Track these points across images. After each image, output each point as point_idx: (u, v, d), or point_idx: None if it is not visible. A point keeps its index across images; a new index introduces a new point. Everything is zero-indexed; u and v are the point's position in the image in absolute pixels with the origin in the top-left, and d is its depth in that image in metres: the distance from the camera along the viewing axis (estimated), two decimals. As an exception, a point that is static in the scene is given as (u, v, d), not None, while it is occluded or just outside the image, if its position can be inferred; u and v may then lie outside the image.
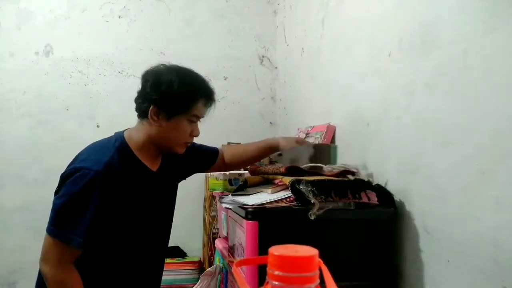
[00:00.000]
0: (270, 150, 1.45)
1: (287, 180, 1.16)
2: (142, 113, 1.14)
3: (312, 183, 1.11)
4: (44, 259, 1.05)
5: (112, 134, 1.22)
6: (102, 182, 1.04)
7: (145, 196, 1.17)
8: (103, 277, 1.14)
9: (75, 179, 1.04)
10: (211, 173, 2.20)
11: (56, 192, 1.10)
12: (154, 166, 1.20)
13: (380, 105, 1.40)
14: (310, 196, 1.07)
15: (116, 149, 1.12)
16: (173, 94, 1.10)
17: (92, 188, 1.03)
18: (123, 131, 1.19)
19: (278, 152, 1.54)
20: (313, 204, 1.08)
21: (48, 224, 1.05)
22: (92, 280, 1.10)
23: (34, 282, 1.17)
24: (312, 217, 1.07)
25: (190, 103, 1.14)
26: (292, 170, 1.27)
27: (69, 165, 1.12)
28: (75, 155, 1.15)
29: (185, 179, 1.40)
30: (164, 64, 1.18)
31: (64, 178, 1.07)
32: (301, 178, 1.14)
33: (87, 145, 1.19)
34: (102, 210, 1.05)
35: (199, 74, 1.22)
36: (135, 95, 1.18)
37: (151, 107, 1.10)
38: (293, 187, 1.10)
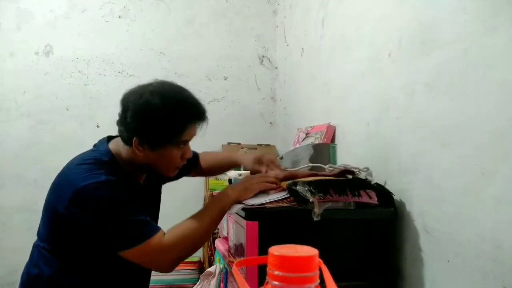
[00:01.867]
0: (233, 166, 1.45)
1: (284, 184, 1.16)
2: (125, 140, 1.06)
3: (309, 183, 1.11)
4: (159, 265, 1.03)
5: (112, 134, 1.19)
6: (115, 184, 1.00)
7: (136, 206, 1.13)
8: (94, 281, 1.11)
9: (92, 196, 0.97)
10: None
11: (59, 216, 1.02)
12: (140, 179, 1.18)
13: (380, 105, 1.40)
14: (308, 195, 1.07)
15: (107, 168, 1.04)
16: (157, 125, 1.00)
17: (112, 189, 0.99)
18: (107, 143, 1.12)
19: (280, 156, 1.55)
20: (312, 202, 1.07)
21: (120, 243, 0.98)
22: (82, 284, 1.09)
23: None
24: (316, 219, 1.07)
25: (178, 132, 1.04)
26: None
27: (61, 189, 1.03)
28: (58, 178, 1.08)
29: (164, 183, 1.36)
30: (150, 84, 1.05)
31: (69, 204, 0.99)
32: (298, 180, 1.14)
33: (68, 163, 1.09)
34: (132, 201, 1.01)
35: (188, 93, 1.09)
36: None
37: (134, 138, 1.02)
38: (290, 189, 1.10)
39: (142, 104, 1.01)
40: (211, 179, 2.21)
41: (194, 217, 1.07)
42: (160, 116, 1.00)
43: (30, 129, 2.56)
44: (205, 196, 2.55)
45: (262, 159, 1.32)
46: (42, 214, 1.13)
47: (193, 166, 1.39)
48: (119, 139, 1.11)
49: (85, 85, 2.64)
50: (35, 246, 1.15)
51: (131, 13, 2.71)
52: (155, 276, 2.28)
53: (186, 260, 2.44)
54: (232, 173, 1.87)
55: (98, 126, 2.63)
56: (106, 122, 2.57)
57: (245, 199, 1.11)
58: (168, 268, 1.05)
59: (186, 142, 1.09)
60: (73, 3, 2.63)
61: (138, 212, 1.01)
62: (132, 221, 0.99)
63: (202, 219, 1.06)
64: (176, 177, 1.31)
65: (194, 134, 1.10)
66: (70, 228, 1.04)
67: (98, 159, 1.06)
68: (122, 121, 1.05)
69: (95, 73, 2.65)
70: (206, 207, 1.14)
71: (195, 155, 1.39)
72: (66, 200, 1.00)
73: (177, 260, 1.05)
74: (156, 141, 1.03)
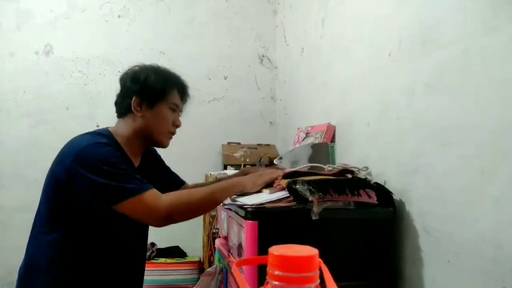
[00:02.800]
0: None
1: (284, 182, 1.16)
2: (124, 109, 1.22)
3: (308, 182, 1.11)
4: (150, 220, 1.10)
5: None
6: (113, 147, 1.12)
7: None
8: (88, 272, 1.14)
9: (91, 153, 1.07)
10: (211, 172, 2.22)
11: (68, 181, 1.08)
12: (135, 162, 1.24)
13: (380, 105, 1.40)
14: (307, 194, 1.07)
15: (105, 135, 1.17)
16: (150, 83, 1.19)
17: (111, 149, 1.10)
18: (106, 128, 1.23)
19: (279, 156, 1.55)
20: (311, 202, 1.07)
21: (114, 199, 1.05)
22: (75, 278, 1.12)
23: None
24: (314, 218, 1.07)
25: (167, 90, 1.22)
26: (290, 175, 1.26)
27: (63, 155, 1.13)
28: (61, 149, 1.18)
29: None
30: (138, 65, 1.27)
31: (73, 162, 1.07)
32: (297, 178, 1.14)
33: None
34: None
35: (173, 71, 1.30)
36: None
37: (134, 98, 1.18)
38: (289, 187, 1.10)
39: (138, 70, 1.23)
40: (211, 179, 2.21)
41: (198, 189, 1.16)
42: (153, 77, 1.20)
43: (30, 129, 2.56)
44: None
45: (248, 171, 1.40)
46: (42, 193, 1.19)
47: (177, 186, 1.43)
48: (113, 126, 1.25)
49: (85, 85, 2.64)
50: (30, 238, 1.18)
51: (131, 13, 2.71)
52: (155, 276, 2.30)
53: (186, 260, 2.47)
54: (232, 173, 1.87)
55: (98, 126, 2.60)
56: (106, 122, 2.55)
57: (250, 191, 1.18)
58: (158, 224, 1.10)
59: (176, 107, 1.25)
60: (73, 3, 2.63)
61: (134, 173, 1.10)
62: (128, 176, 1.07)
63: (204, 192, 1.13)
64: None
65: (180, 104, 1.27)
66: (69, 195, 1.09)
67: (98, 132, 1.19)
68: (122, 92, 1.24)
69: (95, 73, 2.65)
70: (213, 185, 1.19)
71: (182, 182, 1.48)
72: (69, 162, 1.08)
73: (168, 219, 1.09)
74: (151, 97, 1.20)
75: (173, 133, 1.27)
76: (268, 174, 1.22)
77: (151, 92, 1.19)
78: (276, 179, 1.19)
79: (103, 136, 1.16)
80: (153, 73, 1.21)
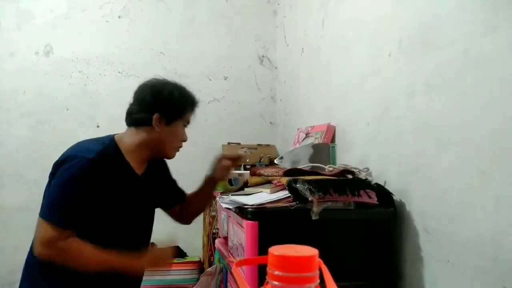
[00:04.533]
0: (211, 185, 1.45)
1: (284, 180, 1.16)
2: (142, 121, 1.22)
3: (309, 181, 1.11)
4: (46, 244, 1.10)
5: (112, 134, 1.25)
6: (92, 170, 1.12)
7: (128, 194, 1.22)
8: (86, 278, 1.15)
9: (68, 167, 1.12)
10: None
11: (50, 178, 1.17)
12: (139, 170, 1.26)
13: (380, 105, 1.40)
14: (307, 193, 1.07)
15: (107, 145, 1.19)
16: (173, 101, 1.23)
17: (83, 174, 1.11)
18: (113, 135, 1.26)
19: (280, 156, 1.55)
20: (311, 201, 1.07)
21: (42, 209, 1.13)
22: (76, 273, 1.13)
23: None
24: (314, 218, 1.07)
25: (186, 109, 1.27)
26: (291, 173, 1.27)
27: (61, 155, 1.19)
28: (66, 149, 1.22)
29: (156, 207, 1.41)
30: (156, 79, 1.28)
31: (58, 165, 1.15)
32: (298, 177, 1.14)
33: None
34: (90, 196, 1.12)
35: (186, 86, 1.32)
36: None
37: (155, 114, 1.20)
38: (290, 186, 1.10)
39: (160, 86, 1.25)
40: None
41: (100, 253, 1.13)
42: (177, 95, 1.24)
43: (30, 129, 2.56)
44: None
45: (221, 162, 1.43)
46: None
47: (180, 198, 1.45)
48: (122, 133, 1.27)
49: (85, 85, 2.64)
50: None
51: (131, 13, 2.71)
52: (155, 276, 2.30)
53: (186, 260, 2.47)
54: (232, 174, 1.87)
55: (98, 126, 2.63)
56: (106, 122, 2.57)
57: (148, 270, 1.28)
58: (37, 254, 1.11)
59: (187, 124, 1.30)
60: (73, 3, 2.63)
61: (78, 204, 1.12)
62: (65, 202, 1.11)
63: (98, 260, 1.13)
64: (162, 199, 1.40)
65: (190, 121, 1.31)
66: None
67: (102, 141, 1.21)
68: (140, 104, 1.24)
69: (95, 73, 2.65)
70: (111, 258, 1.15)
71: (184, 196, 1.47)
72: (56, 165, 1.16)
73: (50, 257, 1.11)
74: (172, 115, 1.24)
75: (180, 147, 1.31)
76: (159, 262, 1.28)
77: (173, 110, 1.24)
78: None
79: (102, 145, 1.18)
80: (176, 91, 1.25)
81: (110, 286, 1.24)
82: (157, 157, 1.31)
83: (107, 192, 1.16)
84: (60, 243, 1.10)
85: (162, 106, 1.22)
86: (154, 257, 1.25)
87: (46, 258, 1.11)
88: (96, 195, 1.13)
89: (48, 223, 1.10)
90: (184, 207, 1.46)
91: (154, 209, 1.38)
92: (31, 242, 1.20)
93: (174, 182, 1.46)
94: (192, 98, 1.29)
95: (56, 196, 1.12)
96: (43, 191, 1.21)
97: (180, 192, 1.47)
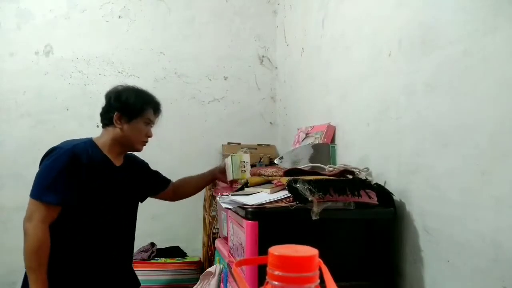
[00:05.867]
0: (211, 179, 1.84)
1: (284, 180, 1.16)
2: (107, 121, 1.48)
3: (309, 181, 1.11)
4: (28, 218, 1.30)
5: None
6: (71, 156, 1.34)
7: (108, 183, 1.43)
8: (72, 263, 1.35)
9: (50, 156, 1.36)
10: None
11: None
12: (117, 162, 1.50)
13: (380, 105, 1.40)
14: (307, 193, 1.07)
15: (86, 141, 1.45)
16: (131, 102, 1.46)
17: (63, 160, 1.33)
18: (90, 138, 1.50)
19: (280, 156, 1.56)
20: (311, 202, 1.07)
21: (32, 190, 1.33)
22: (76, 273, 1.34)
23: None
24: (314, 218, 1.07)
25: (143, 109, 1.49)
26: (291, 173, 1.27)
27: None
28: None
29: (141, 201, 1.69)
30: (121, 85, 1.53)
31: (43, 157, 1.40)
32: (298, 177, 1.14)
33: None
34: (70, 178, 1.33)
35: (148, 91, 1.57)
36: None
37: (115, 113, 1.45)
38: (290, 186, 1.10)
39: (121, 90, 1.50)
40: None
41: (41, 265, 1.29)
42: (134, 97, 1.48)
43: (30, 129, 2.56)
44: (205, 196, 2.56)
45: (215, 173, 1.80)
46: None
47: (162, 186, 1.73)
48: (101, 134, 1.52)
49: (85, 85, 2.64)
50: None
51: (131, 13, 2.71)
52: (155, 276, 2.30)
53: (186, 260, 2.47)
54: (239, 152, 1.87)
55: (98, 126, 2.60)
56: (106, 122, 2.56)
57: None
58: (27, 233, 1.30)
59: (149, 122, 1.52)
60: (73, 3, 2.63)
61: (64, 181, 1.32)
62: (45, 180, 1.32)
63: (35, 264, 1.29)
64: (146, 191, 1.70)
65: (154, 119, 1.54)
66: None
67: (80, 139, 1.47)
68: (106, 106, 1.49)
69: (95, 73, 2.65)
70: (41, 281, 1.29)
71: (168, 180, 1.76)
72: (41, 159, 1.40)
73: (26, 231, 1.30)
74: (130, 114, 1.46)
75: (146, 142, 1.55)
76: None
77: (131, 109, 1.46)
78: None
79: (82, 141, 1.43)
80: (134, 94, 1.48)
81: (110, 286, 1.27)
82: (129, 150, 1.55)
83: (88, 178, 1.36)
84: (46, 225, 1.29)
85: (122, 106, 1.45)
86: None
87: (24, 232, 1.29)
88: (75, 177, 1.33)
89: (31, 199, 1.31)
90: (179, 188, 1.75)
91: (137, 202, 1.62)
92: None
93: (155, 172, 1.72)
94: (149, 100, 1.52)
95: (38, 177, 1.35)
96: None
97: (164, 179, 1.74)
